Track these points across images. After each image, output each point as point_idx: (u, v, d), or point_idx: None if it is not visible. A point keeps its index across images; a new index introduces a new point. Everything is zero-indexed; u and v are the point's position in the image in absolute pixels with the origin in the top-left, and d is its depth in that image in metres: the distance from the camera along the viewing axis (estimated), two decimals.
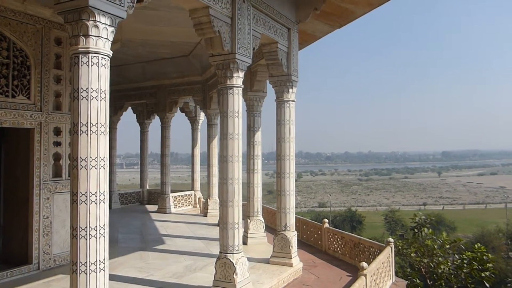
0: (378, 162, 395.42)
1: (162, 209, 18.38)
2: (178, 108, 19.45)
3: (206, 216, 17.09)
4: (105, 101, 4.44)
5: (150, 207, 20.00)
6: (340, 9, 9.97)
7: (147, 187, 22.11)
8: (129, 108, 21.33)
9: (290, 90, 9.47)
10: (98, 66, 4.37)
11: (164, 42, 13.90)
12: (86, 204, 4.27)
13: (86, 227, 4.26)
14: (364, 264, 7.43)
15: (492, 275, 10.26)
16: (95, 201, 4.31)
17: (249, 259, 9.12)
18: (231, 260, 7.15)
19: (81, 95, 4.30)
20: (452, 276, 11.30)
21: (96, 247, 4.30)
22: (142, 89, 19.09)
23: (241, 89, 7.52)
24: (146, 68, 17.60)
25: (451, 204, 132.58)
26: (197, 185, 20.62)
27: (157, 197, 19.90)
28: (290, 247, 9.30)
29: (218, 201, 14.89)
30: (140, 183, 22.33)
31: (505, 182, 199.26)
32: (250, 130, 11.94)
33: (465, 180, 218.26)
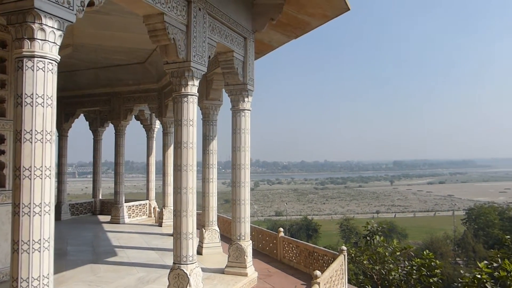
0: (334, 171, 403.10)
1: (115, 220, 17.85)
2: (133, 116, 19.05)
3: (161, 226, 16.75)
4: (51, 107, 4.26)
5: (102, 218, 19.38)
6: (296, 20, 10.13)
7: (100, 197, 21.42)
8: (82, 115, 20.67)
9: (246, 99, 9.48)
10: (44, 71, 4.19)
11: (118, 48, 13.61)
12: (29, 216, 4.05)
13: (29, 240, 4.04)
14: (318, 272, 7.49)
15: (440, 281, 10.63)
16: (39, 213, 4.10)
17: (204, 270, 9.00)
18: (185, 271, 7.02)
19: (25, 101, 4.10)
20: (402, 282, 11.61)
21: (40, 261, 4.09)
22: (95, 96, 18.54)
23: (196, 97, 7.45)
24: (99, 75, 17.14)
25: (402, 212, 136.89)
26: (152, 194, 20.20)
27: (110, 207, 19.30)
28: (245, 257, 9.25)
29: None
30: (92, 193, 21.60)
31: (453, 191, 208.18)
32: (206, 139, 11.85)
33: (415, 189, 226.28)
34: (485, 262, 7.20)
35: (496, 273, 6.55)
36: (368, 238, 13.26)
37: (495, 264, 6.72)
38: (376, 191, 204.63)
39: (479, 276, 6.38)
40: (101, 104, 18.72)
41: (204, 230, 11.75)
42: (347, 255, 10.32)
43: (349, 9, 9.27)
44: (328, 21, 10.20)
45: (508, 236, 10.01)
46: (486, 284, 6.28)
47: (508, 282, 6.21)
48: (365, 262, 12.77)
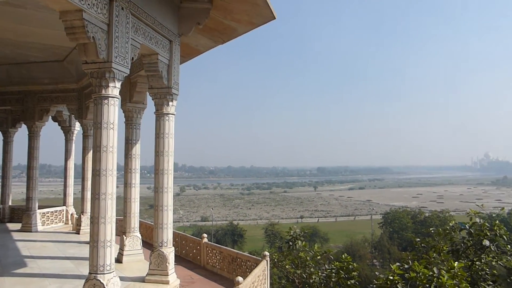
0: (260, 176, 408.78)
1: (27, 228, 16.64)
2: (50, 117, 17.94)
3: (79, 234, 15.90)
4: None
5: (12, 226, 17.98)
6: (222, 26, 10.13)
7: (10, 203, 19.89)
8: None
9: (170, 103, 9.29)
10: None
11: (34, 44, 12.77)
12: None
13: None
14: (240, 278, 7.49)
15: (357, 283, 11.10)
16: None
17: (124, 278, 8.65)
18: (101, 281, 6.68)
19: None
20: (322, 285, 11.99)
21: None
22: (6, 94, 17.17)
23: (118, 99, 7.15)
24: (11, 71, 15.96)
25: (325, 216, 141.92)
26: (70, 200, 19.13)
27: (21, 214, 17.97)
28: (167, 264, 9.02)
29: None
30: (0, 199, 20.00)
31: (371, 196, 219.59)
32: (129, 143, 11.45)
33: (337, 194, 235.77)
34: (397, 264, 7.60)
35: (407, 274, 6.93)
36: (290, 243, 13.56)
37: (406, 266, 7.11)
38: (301, 197, 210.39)
39: (391, 277, 6.73)
40: (13, 103, 17.38)
41: (125, 237, 11.32)
42: (270, 260, 10.45)
43: (275, 18, 9.44)
44: (255, 28, 10.31)
45: (419, 239, 10.65)
46: (398, 285, 6.64)
47: (418, 282, 6.59)
48: (287, 266, 13.03)
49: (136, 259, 11.24)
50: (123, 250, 11.22)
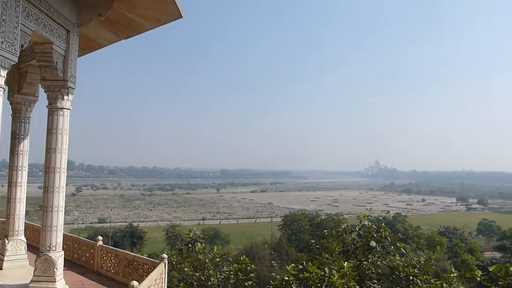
0: (162, 177, 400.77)
1: None
2: None
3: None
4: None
5: None
6: (126, 20, 9.72)
7: None
8: None
9: (66, 97, 8.68)
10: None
11: None
12: None
13: None
14: (135, 283, 7.21)
15: (254, 284, 11.30)
16: None
17: (3, 287, 7.90)
18: None
19: None
20: (220, 287, 12.03)
21: None
22: None
23: (3, 90, 6.51)
24: None
25: (227, 218, 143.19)
26: None
27: None
28: (55, 269, 8.39)
29: None
30: None
31: (272, 199, 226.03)
32: (16, 138, 10.49)
33: (240, 197, 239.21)
34: (293, 265, 7.86)
35: (301, 275, 7.19)
36: (190, 245, 13.41)
37: (300, 266, 7.38)
38: (203, 199, 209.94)
39: (286, 278, 6.94)
40: None
41: (7, 241, 10.33)
42: (169, 263, 10.22)
43: (181, 17, 9.28)
44: (161, 25, 10.06)
45: (314, 241, 11.13)
46: (292, 285, 6.85)
47: (310, 282, 6.86)
48: (186, 269, 12.85)
49: (20, 264, 10.32)
50: (3, 256, 10.22)
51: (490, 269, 5.91)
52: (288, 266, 7.28)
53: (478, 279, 6.17)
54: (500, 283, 5.81)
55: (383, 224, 9.64)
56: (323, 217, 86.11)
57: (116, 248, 11.49)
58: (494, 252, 78.13)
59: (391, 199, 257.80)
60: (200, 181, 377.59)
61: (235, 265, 11.92)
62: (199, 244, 13.10)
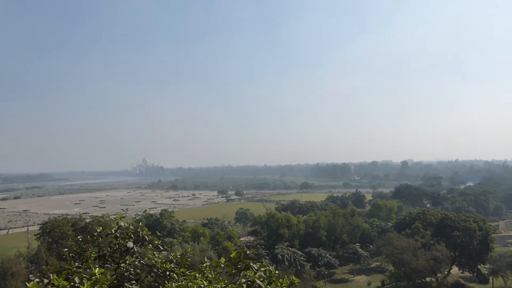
0: None
1: None
2: None
3: None
4: None
5: None
6: None
7: None
8: None
9: None
10: None
11: None
12: None
13: None
14: None
15: None
16: None
17: None
18: None
19: None
20: None
21: None
22: None
23: None
24: None
25: None
26: None
27: None
28: None
29: None
30: None
31: (29, 205, 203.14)
32: None
33: None
34: (37, 280, 7.10)
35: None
36: None
37: (46, 280, 6.71)
38: None
39: None
40: None
41: None
42: None
43: None
44: None
45: (66, 249, 10.37)
46: None
47: None
48: None
49: None
50: None
51: (231, 255, 6.59)
52: (28, 283, 6.52)
53: (222, 265, 6.81)
54: (239, 266, 6.53)
55: (140, 223, 9.68)
56: (87, 220, 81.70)
57: None
58: (249, 236, 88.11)
59: (159, 196, 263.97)
60: None
61: None
62: None
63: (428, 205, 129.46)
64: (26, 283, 5.76)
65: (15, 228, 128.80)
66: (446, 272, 61.23)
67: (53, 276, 6.12)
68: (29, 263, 65.07)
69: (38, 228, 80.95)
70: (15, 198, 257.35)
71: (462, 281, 61.73)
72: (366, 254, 71.91)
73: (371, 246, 75.72)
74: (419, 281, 54.90)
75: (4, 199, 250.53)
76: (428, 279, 56.33)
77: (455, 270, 64.57)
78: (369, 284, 62.72)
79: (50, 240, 73.44)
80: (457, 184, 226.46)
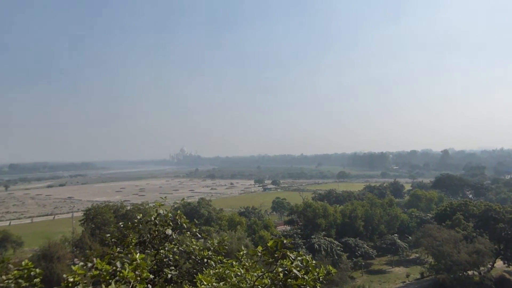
0: None
1: None
2: None
3: None
4: None
5: None
6: None
7: None
8: None
9: None
10: None
11: None
12: None
13: None
14: None
15: None
16: None
17: None
18: None
19: None
20: None
21: None
22: None
23: None
24: None
25: (18, 218, 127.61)
26: None
27: None
28: None
29: None
30: None
31: (73, 193, 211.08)
32: None
33: (34, 193, 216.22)
34: (81, 263, 7.35)
35: (89, 273, 6.74)
36: None
37: (90, 264, 6.94)
38: None
39: (72, 279, 6.45)
40: None
41: None
42: None
43: None
44: None
45: (109, 234, 10.66)
46: (79, 286, 6.42)
47: (101, 279, 6.50)
48: None
49: None
50: None
51: (268, 244, 6.59)
52: (74, 266, 6.75)
53: (259, 254, 6.82)
54: (276, 255, 6.53)
55: (178, 211, 9.85)
56: (128, 208, 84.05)
57: None
58: (285, 225, 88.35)
59: (196, 184, 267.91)
60: None
61: (15, 271, 10.65)
62: None
63: (470, 196, 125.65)
64: (71, 266, 6.00)
65: (60, 214, 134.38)
66: (489, 266, 59.31)
67: (96, 260, 6.35)
68: (74, 248, 67.74)
69: (82, 214, 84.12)
70: (60, 185, 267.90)
71: (507, 275, 59.47)
72: (404, 245, 70.69)
73: (410, 237, 74.36)
74: (460, 274, 53.35)
75: (50, 186, 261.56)
76: (470, 272, 54.70)
77: (499, 263, 62.41)
78: (407, 276, 61.63)
79: (93, 226, 76.16)
80: (502, 174, 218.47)
